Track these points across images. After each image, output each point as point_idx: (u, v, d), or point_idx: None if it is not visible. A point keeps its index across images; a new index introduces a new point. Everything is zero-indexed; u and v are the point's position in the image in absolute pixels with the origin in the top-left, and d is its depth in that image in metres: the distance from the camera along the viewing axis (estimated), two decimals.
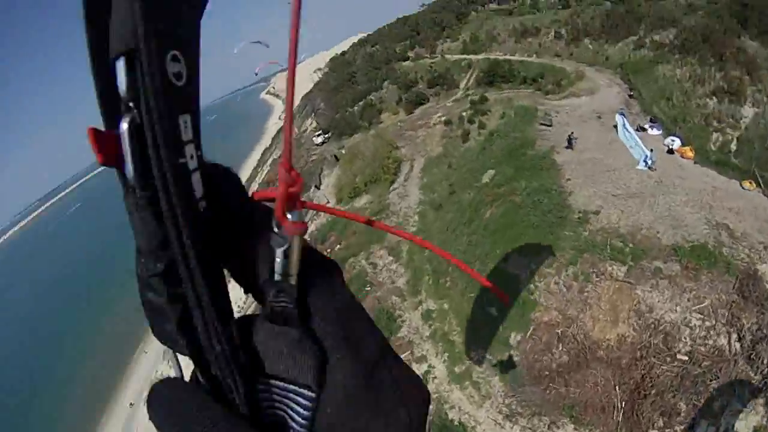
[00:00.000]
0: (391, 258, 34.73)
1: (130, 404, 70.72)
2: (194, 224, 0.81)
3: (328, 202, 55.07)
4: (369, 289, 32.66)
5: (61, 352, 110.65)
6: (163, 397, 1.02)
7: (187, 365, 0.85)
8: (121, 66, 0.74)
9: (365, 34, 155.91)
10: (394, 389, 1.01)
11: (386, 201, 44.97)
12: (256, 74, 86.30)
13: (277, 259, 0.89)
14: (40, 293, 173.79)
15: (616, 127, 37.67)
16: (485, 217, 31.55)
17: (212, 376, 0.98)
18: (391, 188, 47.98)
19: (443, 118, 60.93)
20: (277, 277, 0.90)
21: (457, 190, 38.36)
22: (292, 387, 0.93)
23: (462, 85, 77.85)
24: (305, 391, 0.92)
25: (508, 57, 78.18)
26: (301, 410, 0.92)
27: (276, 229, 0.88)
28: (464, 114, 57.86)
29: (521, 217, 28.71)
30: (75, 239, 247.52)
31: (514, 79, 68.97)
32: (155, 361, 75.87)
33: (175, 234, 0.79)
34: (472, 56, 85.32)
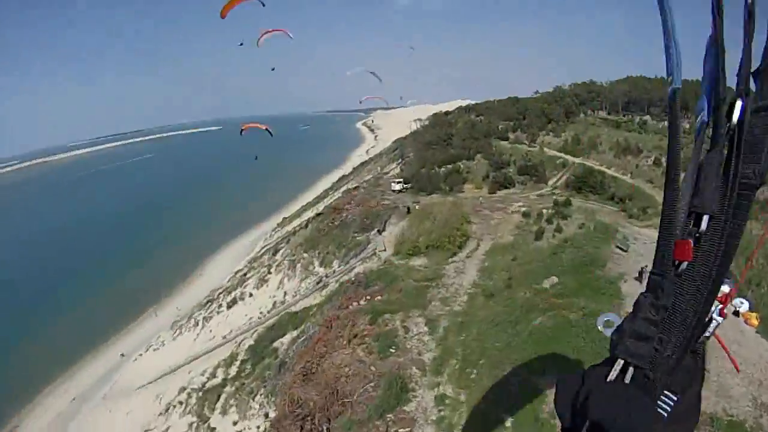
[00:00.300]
0: (426, 329, 33.51)
1: (121, 354, 72.62)
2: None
3: (384, 250, 54.94)
4: (393, 351, 31.62)
5: (101, 273, 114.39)
6: (606, 394, 1.71)
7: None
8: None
9: (472, 102, 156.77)
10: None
11: (442, 271, 43.90)
12: (360, 102, 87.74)
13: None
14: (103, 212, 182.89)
15: None
16: (534, 323, 30.33)
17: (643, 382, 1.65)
18: (451, 260, 47.00)
19: (523, 209, 60.34)
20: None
21: (514, 285, 37.15)
22: None
23: (551, 182, 77.20)
24: None
25: (603, 169, 77.32)
26: None
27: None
28: (545, 211, 57.08)
29: (570, 337, 27.36)
30: (141, 181, 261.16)
31: (602, 192, 68.07)
32: (159, 327, 77.25)
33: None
34: (569, 157, 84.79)
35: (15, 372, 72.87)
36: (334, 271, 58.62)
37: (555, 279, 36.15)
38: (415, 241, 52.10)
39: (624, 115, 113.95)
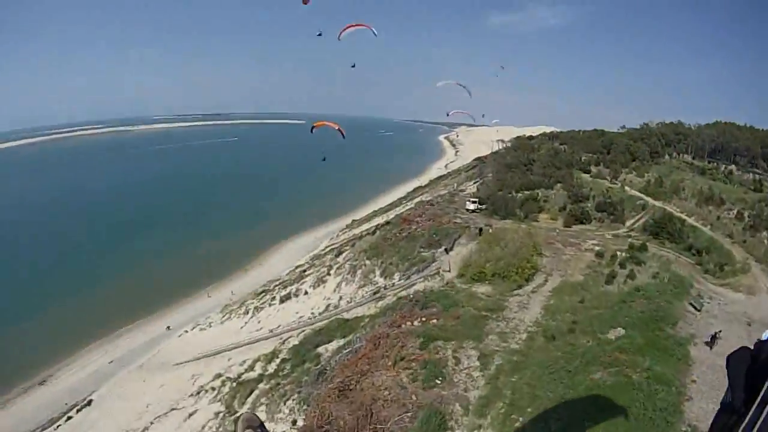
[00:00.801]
0: (477, 363, 31.65)
1: (168, 327, 74.92)
2: None
3: (449, 270, 53.52)
4: (439, 382, 29.98)
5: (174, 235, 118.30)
6: None
7: None
8: None
9: (557, 129, 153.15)
10: None
11: (505, 302, 41.98)
12: (448, 115, 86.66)
13: None
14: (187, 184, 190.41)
15: None
16: (593, 377, 28.50)
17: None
18: (516, 292, 45.02)
19: (597, 248, 58.00)
20: None
21: (578, 330, 35.13)
22: None
23: (628, 223, 74.21)
24: None
25: (683, 216, 73.78)
26: None
27: None
28: (619, 254, 54.62)
29: (630, 400, 25.40)
30: (222, 161, 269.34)
31: (680, 241, 64.68)
32: (210, 308, 79.10)
33: None
34: (649, 199, 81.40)
35: (62, 324, 76.37)
36: (393, 284, 57.52)
37: (622, 331, 34.12)
38: (481, 267, 50.21)
39: (709, 162, 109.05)
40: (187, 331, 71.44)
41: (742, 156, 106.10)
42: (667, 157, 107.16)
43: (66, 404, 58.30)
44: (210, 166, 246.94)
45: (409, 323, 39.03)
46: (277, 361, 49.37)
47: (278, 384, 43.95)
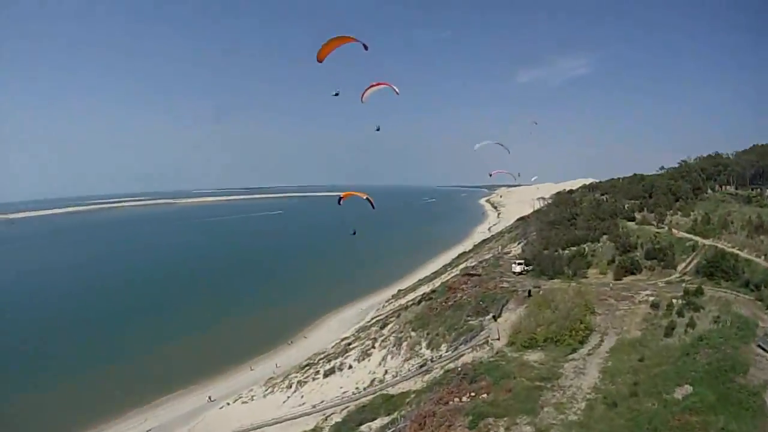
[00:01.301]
0: None
1: (210, 398, 74.77)
2: None
3: (498, 339, 51.03)
4: None
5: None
6: None
7: None
8: None
9: (596, 180, 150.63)
10: None
11: (559, 369, 39.06)
12: (491, 176, 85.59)
13: None
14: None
15: None
16: None
17: None
18: (570, 356, 42.02)
19: (651, 299, 55.00)
20: None
21: (641, 393, 32.31)
22: None
23: (680, 267, 70.96)
24: None
25: (735, 251, 70.23)
26: None
27: None
28: (675, 302, 51.63)
29: None
30: (271, 234, 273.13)
31: (735, 278, 61.23)
32: (254, 380, 78.34)
33: None
34: (698, 238, 77.99)
35: (104, 389, 78.08)
36: (440, 356, 55.08)
37: (689, 388, 31.32)
38: (532, 332, 47.68)
39: (752, 188, 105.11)
40: (228, 403, 70.40)
41: None
42: (709, 191, 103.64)
43: None
44: (255, 239, 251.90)
45: (457, 399, 36.65)
46: None
47: None
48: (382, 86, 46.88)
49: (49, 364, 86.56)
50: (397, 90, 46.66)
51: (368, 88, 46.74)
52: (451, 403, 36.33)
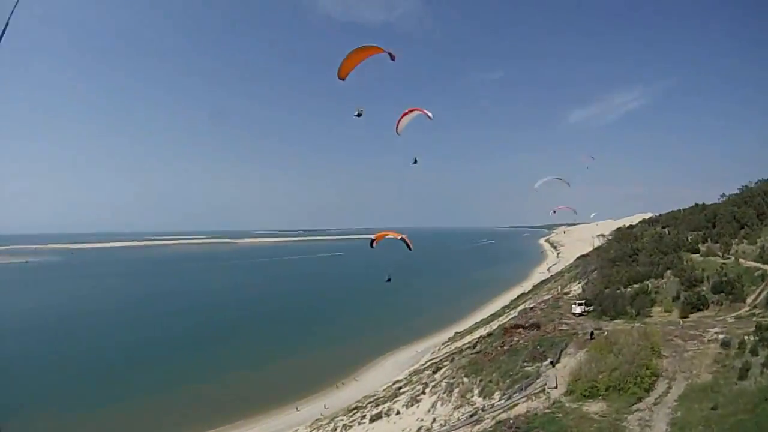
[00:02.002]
0: None
1: None
2: None
3: (556, 387, 47.48)
4: None
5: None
6: None
7: None
8: None
9: (656, 214, 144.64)
10: None
11: (622, 422, 35.25)
12: (554, 212, 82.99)
13: None
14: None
15: None
16: None
17: None
18: (635, 407, 38.03)
19: (721, 336, 50.54)
20: None
21: None
22: None
23: (749, 300, 65.96)
24: None
25: None
26: None
27: None
28: (747, 339, 47.29)
29: None
30: (334, 274, 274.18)
31: None
32: (300, 421, 76.73)
33: None
34: (767, 267, 72.66)
35: (146, 425, 77.50)
36: (492, 405, 50.92)
37: None
38: (593, 379, 43.80)
39: None
40: None
41: None
42: None
43: None
44: (314, 279, 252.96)
45: None
46: None
47: None
48: (416, 113, 45.17)
49: (82, 397, 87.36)
50: (430, 115, 44.76)
51: (401, 117, 45.19)
52: None
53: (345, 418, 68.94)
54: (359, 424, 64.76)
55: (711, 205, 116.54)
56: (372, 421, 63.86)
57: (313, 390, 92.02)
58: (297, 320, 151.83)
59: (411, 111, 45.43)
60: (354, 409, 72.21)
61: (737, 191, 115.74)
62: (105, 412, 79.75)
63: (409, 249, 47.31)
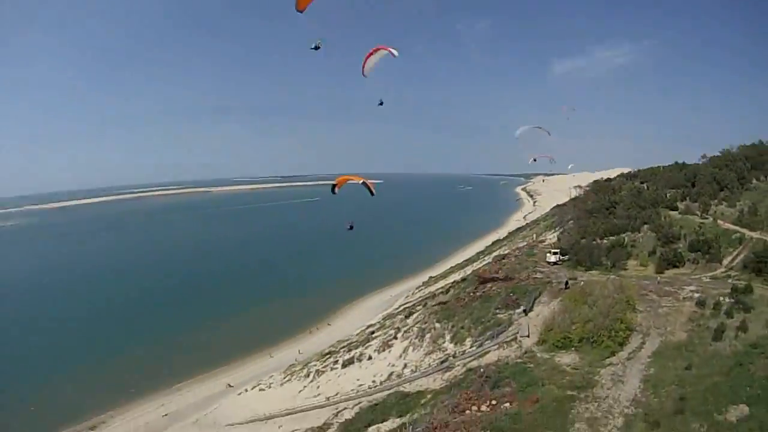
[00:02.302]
0: None
1: (229, 385, 73.66)
2: None
3: (528, 336, 46.45)
4: None
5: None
6: None
7: None
8: None
9: (635, 169, 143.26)
10: None
11: (595, 376, 34.36)
12: (535, 161, 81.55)
13: None
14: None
15: None
16: None
17: None
18: (608, 361, 37.13)
19: (696, 295, 49.62)
20: None
21: (687, 410, 27.80)
22: None
23: (725, 261, 65.38)
24: None
25: None
26: None
27: None
28: (722, 300, 46.53)
29: None
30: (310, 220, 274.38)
31: None
32: (275, 367, 76.85)
33: None
34: (745, 231, 72.19)
35: (123, 372, 78.15)
36: (464, 352, 50.52)
37: (745, 409, 26.75)
38: (566, 330, 42.62)
39: None
40: (247, 390, 68.67)
41: None
42: (755, 181, 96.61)
43: None
44: (288, 226, 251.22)
45: (475, 408, 32.38)
46: None
47: None
48: (381, 52, 42.30)
49: (71, 349, 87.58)
50: (395, 53, 41.95)
51: (366, 58, 42.41)
52: (468, 412, 32.15)
53: (318, 363, 68.75)
54: (332, 369, 64.47)
55: (691, 165, 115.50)
56: (344, 366, 63.47)
57: (287, 336, 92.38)
58: (270, 268, 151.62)
59: (376, 50, 42.58)
60: (327, 354, 72.07)
61: (718, 154, 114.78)
62: (73, 372, 78.91)
63: (372, 194, 44.84)
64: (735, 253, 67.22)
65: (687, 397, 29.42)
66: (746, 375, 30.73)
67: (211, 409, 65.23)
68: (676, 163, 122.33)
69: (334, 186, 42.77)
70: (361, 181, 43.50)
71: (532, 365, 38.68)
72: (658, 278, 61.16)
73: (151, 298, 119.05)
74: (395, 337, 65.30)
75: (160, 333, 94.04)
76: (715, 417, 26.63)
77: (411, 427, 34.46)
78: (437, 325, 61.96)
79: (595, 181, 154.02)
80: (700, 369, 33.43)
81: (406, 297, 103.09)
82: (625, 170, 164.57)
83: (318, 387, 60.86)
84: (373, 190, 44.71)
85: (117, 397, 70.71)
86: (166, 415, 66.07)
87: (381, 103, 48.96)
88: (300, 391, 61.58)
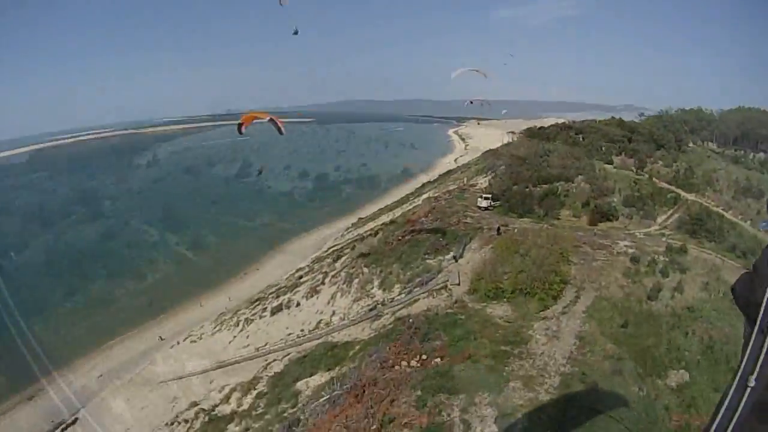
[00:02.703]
0: (496, 429, 23.20)
1: (160, 338, 70.21)
2: None
3: (458, 284, 44.70)
4: None
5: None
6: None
7: None
8: None
9: (570, 120, 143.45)
10: None
11: (528, 331, 32.91)
12: (471, 103, 79.36)
13: None
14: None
15: None
16: None
17: None
18: (542, 314, 35.95)
19: (631, 251, 48.97)
20: None
21: (625, 372, 26.50)
22: None
23: (660, 219, 65.62)
24: None
25: (720, 211, 65.38)
26: None
27: None
28: (657, 259, 45.99)
29: None
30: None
31: (721, 240, 56.17)
32: (205, 317, 73.14)
33: None
34: (681, 191, 72.64)
35: (53, 334, 74.10)
36: (392, 299, 48.68)
37: (685, 375, 25.69)
38: (498, 280, 41.08)
39: (735, 150, 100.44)
40: (179, 342, 65.75)
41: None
42: (691, 144, 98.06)
43: (53, 422, 54.46)
44: (216, 168, 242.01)
45: (405, 363, 30.26)
46: (253, 394, 42.22)
47: (247, 429, 36.82)
48: None
49: None
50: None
51: None
52: (397, 367, 29.98)
53: (247, 311, 66.18)
54: (260, 317, 62.00)
55: (629, 121, 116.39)
56: (273, 314, 61.07)
57: (217, 283, 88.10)
58: (195, 210, 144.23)
59: None
60: (256, 301, 69.42)
61: (656, 114, 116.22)
62: None
63: (281, 133, 40.48)
64: (670, 212, 68.03)
65: (624, 358, 28.21)
66: (683, 338, 30.14)
67: (144, 365, 62.22)
68: (613, 117, 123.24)
69: (240, 125, 37.51)
70: (268, 118, 38.73)
71: (463, 317, 36.93)
72: (594, 230, 60.97)
73: (66, 251, 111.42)
74: (323, 282, 62.82)
75: (84, 289, 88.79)
76: (655, 381, 25.35)
77: (339, 383, 32.22)
78: (365, 270, 59.70)
79: (528, 129, 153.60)
80: (636, 328, 32.61)
81: (335, 239, 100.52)
82: (561, 120, 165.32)
83: (248, 337, 58.49)
84: (282, 129, 40.21)
85: (51, 359, 64.54)
86: (101, 375, 62.80)
87: (296, 33, 46.04)
88: (230, 342, 59.18)
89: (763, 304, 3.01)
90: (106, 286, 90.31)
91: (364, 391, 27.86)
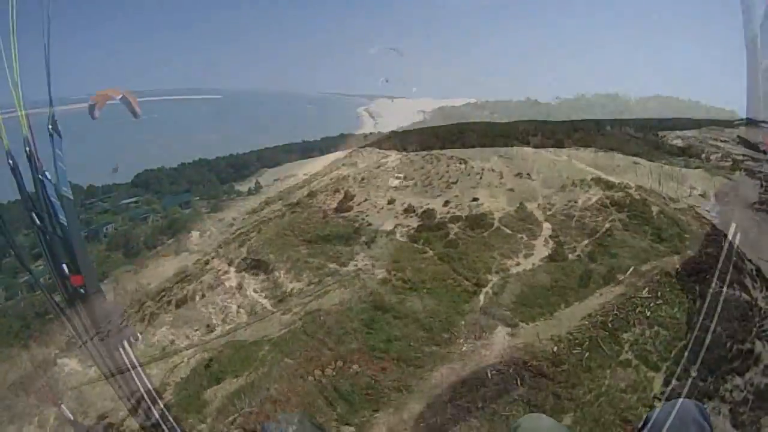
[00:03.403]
0: None
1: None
2: None
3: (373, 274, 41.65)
4: None
5: None
6: None
7: None
8: None
9: (482, 100, 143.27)
10: None
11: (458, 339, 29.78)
12: (387, 81, 77.98)
13: None
14: None
15: None
16: None
17: None
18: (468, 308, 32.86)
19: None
20: None
21: None
22: None
23: (580, 202, 65.46)
24: None
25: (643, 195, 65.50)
26: None
27: None
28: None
29: None
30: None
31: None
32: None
33: None
34: (601, 173, 72.75)
35: None
36: (301, 290, 45.01)
37: None
38: (417, 268, 38.66)
39: (654, 135, 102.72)
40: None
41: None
42: (608, 127, 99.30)
43: None
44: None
45: (318, 372, 27.19)
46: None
47: None
48: None
49: None
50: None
51: None
52: (311, 378, 26.28)
53: (152, 304, 59.34)
54: (165, 312, 54.18)
55: (545, 104, 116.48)
56: (178, 306, 53.44)
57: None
58: None
59: None
60: (162, 291, 62.95)
61: (571, 97, 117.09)
62: None
63: (135, 116, 33.19)
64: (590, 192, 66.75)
65: None
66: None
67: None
68: (528, 98, 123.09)
69: (92, 107, 29.58)
70: (120, 96, 30.83)
71: (380, 312, 33.80)
72: None
73: None
74: (228, 271, 57.35)
75: None
76: None
77: (248, 399, 28.01)
78: (271, 256, 55.19)
79: (440, 108, 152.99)
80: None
81: (243, 219, 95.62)
82: (471, 101, 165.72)
83: (154, 335, 52.13)
84: (138, 110, 32.65)
85: None
86: None
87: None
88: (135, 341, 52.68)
89: None
90: None
91: (276, 408, 24.44)
